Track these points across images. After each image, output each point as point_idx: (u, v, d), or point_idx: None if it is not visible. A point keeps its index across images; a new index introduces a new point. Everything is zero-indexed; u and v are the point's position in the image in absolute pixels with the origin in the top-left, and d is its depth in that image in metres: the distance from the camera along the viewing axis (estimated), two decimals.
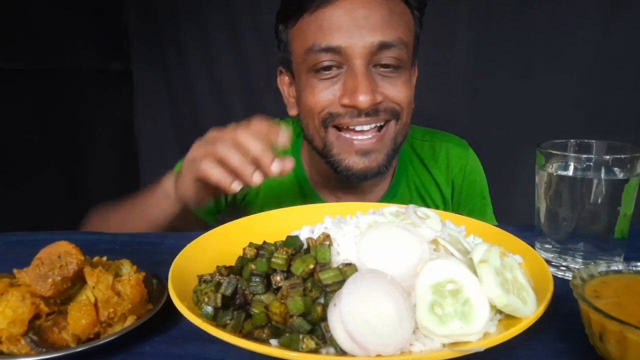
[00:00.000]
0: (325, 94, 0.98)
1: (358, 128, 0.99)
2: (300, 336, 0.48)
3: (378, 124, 1.00)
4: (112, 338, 0.52)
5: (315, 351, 0.47)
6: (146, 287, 0.59)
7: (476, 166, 1.26)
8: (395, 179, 1.19)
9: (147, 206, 0.97)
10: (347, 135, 1.00)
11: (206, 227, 0.88)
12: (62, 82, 2.26)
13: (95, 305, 0.54)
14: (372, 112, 0.97)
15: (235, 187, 0.77)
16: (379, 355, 0.46)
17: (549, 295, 0.53)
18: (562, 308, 0.57)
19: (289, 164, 0.77)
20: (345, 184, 1.10)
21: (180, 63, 2.66)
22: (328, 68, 0.97)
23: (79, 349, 0.51)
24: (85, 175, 2.40)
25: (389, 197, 1.17)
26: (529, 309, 0.51)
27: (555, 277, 0.59)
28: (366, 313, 0.46)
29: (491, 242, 0.63)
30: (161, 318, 0.58)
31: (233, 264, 0.64)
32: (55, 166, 2.24)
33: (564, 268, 0.71)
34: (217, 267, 0.62)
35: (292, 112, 1.12)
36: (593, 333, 0.48)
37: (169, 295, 0.55)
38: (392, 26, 0.95)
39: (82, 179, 2.37)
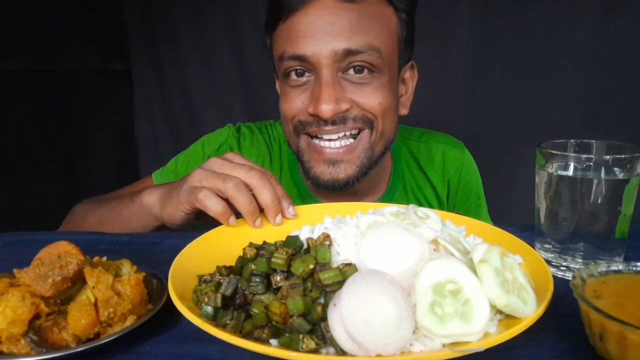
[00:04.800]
0: (295, 102, 0.98)
1: (326, 137, 0.98)
2: (301, 336, 0.48)
3: (348, 133, 0.98)
4: (112, 338, 0.52)
5: (315, 351, 0.47)
6: (146, 287, 0.59)
7: (471, 167, 1.26)
8: (392, 182, 1.19)
9: (125, 215, 0.95)
10: (317, 142, 0.99)
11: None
12: (62, 82, 2.26)
13: (95, 305, 0.54)
14: (338, 120, 0.95)
15: (233, 222, 0.78)
16: (379, 355, 0.46)
17: (549, 295, 0.53)
18: (562, 308, 0.57)
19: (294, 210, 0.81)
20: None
21: (179, 63, 2.66)
22: (301, 74, 0.96)
23: (79, 349, 0.51)
24: (85, 175, 2.40)
25: (386, 200, 1.17)
26: (529, 309, 0.51)
27: (555, 277, 0.59)
28: (366, 313, 0.46)
29: (491, 242, 0.63)
30: (161, 318, 0.58)
31: (233, 264, 0.64)
32: (55, 166, 2.24)
33: (564, 268, 0.71)
34: (217, 267, 0.62)
35: None
36: (593, 333, 0.48)
37: (169, 295, 0.55)
38: (360, 32, 0.92)
39: (82, 178, 2.37)
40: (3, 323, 0.52)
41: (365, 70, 0.95)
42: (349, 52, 0.92)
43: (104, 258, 0.63)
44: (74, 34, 2.31)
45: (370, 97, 0.96)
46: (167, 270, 0.59)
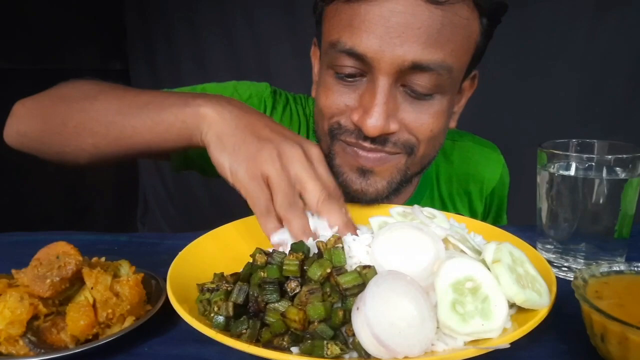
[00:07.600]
0: (339, 100, 0.82)
1: (361, 152, 0.83)
2: (325, 342, 0.47)
3: (382, 155, 0.83)
4: (111, 339, 0.52)
5: (340, 357, 0.46)
6: (145, 287, 0.59)
7: (507, 179, 1.18)
8: (419, 189, 1.07)
9: (150, 121, 0.76)
10: (353, 148, 0.84)
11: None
12: (62, 82, 2.25)
13: (94, 306, 0.54)
14: (379, 140, 0.80)
15: (276, 239, 0.67)
16: (406, 357, 0.45)
17: (552, 296, 0.53)
18: (564, 309, 0.57)
19: None
20: None
21: (175, 62, 2.66)
22: (350, 75, 0.80)
23: (77, 350, 0.51)
24: (85, 174, 2.40)
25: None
26: (544, 300, 0.51)
27: (556, 278, 0.58)
28: (391, 315, 0.45)
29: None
30: (160, 319, 0.57)
31: (232, 265, 0.63)
32: (54, 166, 2.23)
33: (566, 268, 0.71)
34: (220, 275, 0.59)
35: (314, 92, 0.95)
36: (595, 334, 0.48)
37: (167, 296, 0.55)
38: (437, 44, 0.73)
39: (81, 178, 2.37)
40: (1, 324, 0.51)
41: (424, 94, 0.79)
42: (416, 66, 0.74)
43: (103, 258, 0.62)
44: (74, 34, 2.31)
45: (423, 122, 0.80)
46: (166, 271, 0.59)
